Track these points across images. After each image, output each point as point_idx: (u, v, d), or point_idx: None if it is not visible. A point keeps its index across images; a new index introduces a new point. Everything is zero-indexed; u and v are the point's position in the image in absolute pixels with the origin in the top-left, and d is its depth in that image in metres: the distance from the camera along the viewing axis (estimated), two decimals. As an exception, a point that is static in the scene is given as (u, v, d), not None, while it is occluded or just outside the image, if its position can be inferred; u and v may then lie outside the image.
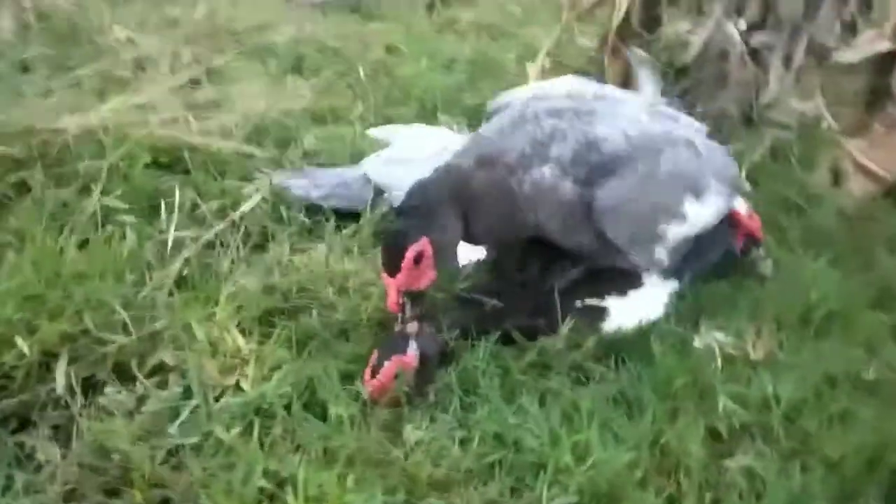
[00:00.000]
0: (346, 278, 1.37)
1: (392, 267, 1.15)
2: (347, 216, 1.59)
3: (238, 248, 1.40)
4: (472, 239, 1.28)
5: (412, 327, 1.18)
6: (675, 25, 2.81)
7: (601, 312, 1.31)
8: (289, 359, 1.16)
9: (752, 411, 1.19)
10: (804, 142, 2.00)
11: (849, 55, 1.91)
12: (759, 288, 1.50)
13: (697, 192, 1.32)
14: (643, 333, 1.32)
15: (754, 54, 2.32)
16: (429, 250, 1.16)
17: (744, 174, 1.85)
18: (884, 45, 1.86)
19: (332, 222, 1.55)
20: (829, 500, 1.09)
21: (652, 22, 2.47)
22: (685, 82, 2.35)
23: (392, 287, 1.16)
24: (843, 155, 1.92)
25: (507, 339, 1.27)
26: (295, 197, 1.58)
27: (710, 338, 1.32)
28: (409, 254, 1.14)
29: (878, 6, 2.10)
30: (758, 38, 2.35)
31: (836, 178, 1.92)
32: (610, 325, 1.31)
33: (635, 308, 1.33)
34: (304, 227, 1.53)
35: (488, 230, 1.26)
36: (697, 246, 1.41)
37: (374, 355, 1.15)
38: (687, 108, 2.28)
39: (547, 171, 1.24)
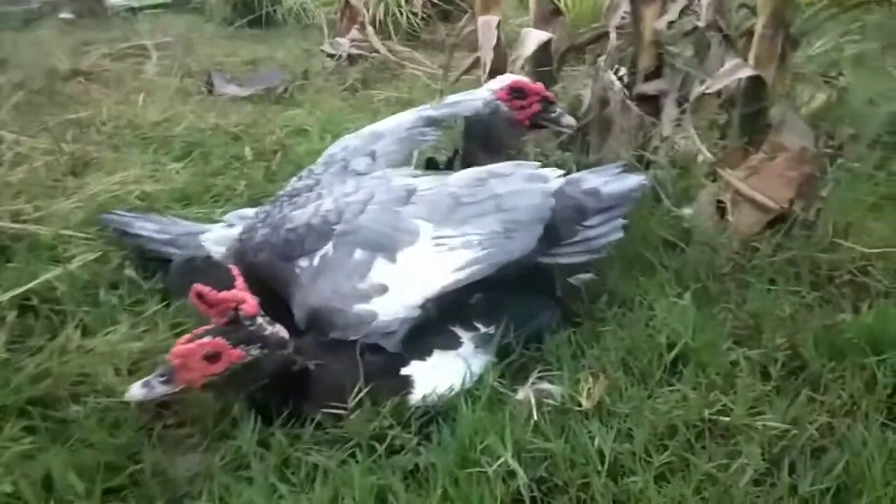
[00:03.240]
0: (136, 360, 1.25)
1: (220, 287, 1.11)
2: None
3: (27, 333, 1.29)
4: None
5: (272, 329, 1.12)
6: (573, 82, 2.83)
7: (404, 383, 1.17)
8: (26, 454, 1.02)
9: (567, 469, 1.03)
10: (682, 178, 1.90)
11: (714, 84, 1.84)
12: (609, 334, 1.35)
13: (392, 252, 1.25)
14: (460, 392, 1.17)
15: (650, 101, 2.30)
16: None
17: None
18: (745, 72, 1.79)
19: (156, 301, 1.45)
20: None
21: (544, 80, 2.46)
22: (573, 133, 2.31)
23: (240, 291, 1.13)
24: (725, 187, 1.81)
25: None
26: (132, 240, 1.52)
27: (534, 389, 1.17)
28: (236, 272, 1.18)
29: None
30: (652, 86, 2.33)
31: (721, 211, 1.81)
32: (416, 397, 1.16)
33: (442, 373, 1.19)
34: (119, 309, 1.42)
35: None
36: (515, 311, 1.31)
37: (208, 328, 1.07)
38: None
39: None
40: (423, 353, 1.22)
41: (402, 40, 4.89)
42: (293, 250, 1.30)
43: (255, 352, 1.07)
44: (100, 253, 1.53)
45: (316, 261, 1.26)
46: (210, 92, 3.46)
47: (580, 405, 1.15)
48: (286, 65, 4.21)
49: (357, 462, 1.02)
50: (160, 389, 1.04)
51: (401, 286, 1.21)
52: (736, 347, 1.31)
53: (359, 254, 1.24)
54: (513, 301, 1.33)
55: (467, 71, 2.35)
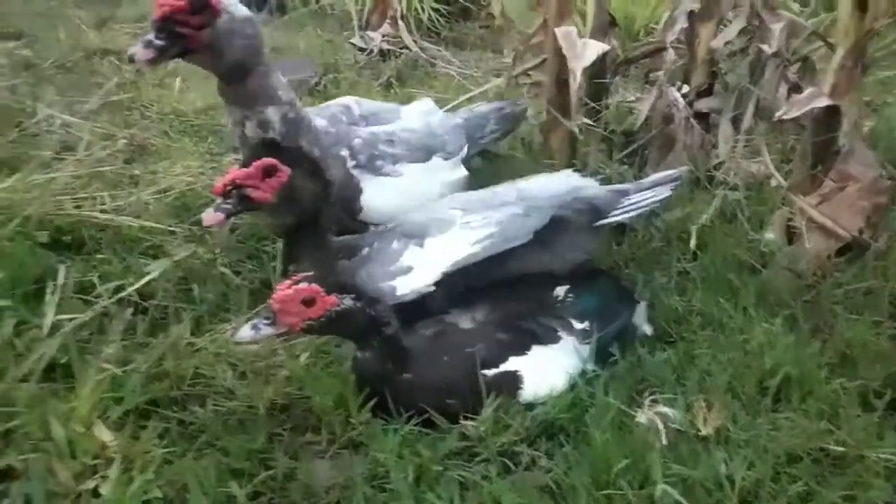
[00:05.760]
0: (251, 361, 1.24)
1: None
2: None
3: (131, 330, 1.27)
4: None
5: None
6: (622, 94, 2.84)
7: (514, 379, 1.19)
8: (165, 457, 1.00)
9: (702, 495, 1.04)
10: (754, 201, 1.93)
11: (790, 112, 1.86)
12: (709, 355, 1.37)
13: (422, 239, 1.35)
14: (578, 409, 1.18)
15: (702, 119, 2.32)
16: None
17: (694, 236, 1.78)
18: (823, 102, 1.82)
19: (246, 296, 1.44)
20: None
21: (598, 92, 2.47)
22: (634, 148, 2.33)
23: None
24: (796, 213, 1.84)
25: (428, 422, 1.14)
26: None
27: (655, 413, 1.19)
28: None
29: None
30: (705, 104, 2.35)
31: (790, 236, 1.84)
32: (527, 394, 1.18)
33: (546, 369, 1.22)
34: (214, 305, 1.41)
35: None
36: (600, 309, 1.37)
37: (307, 275, 1.12)
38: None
39: None
40: (521, 349, 1.25)
41: (424, 37, 4.87)
42: (353, 251, 1.42)
43: (348, 301, 1.12)
44: (194, 249, 1.50)
45: (365, 251, 1.39)
46: (242, 79, 3.40)
47: (699, 431, 1.17)
48: (311, 56, 4.16)
49: (498, 476, 1.03)
50: (266, 331, 1.08)
51: (424, 266, 1.31)
52: (832, 377, 1.33)
53: (395, 244, 1.37)
54: (595, 298, 1.39)
55: (524, 73, 2.35)
